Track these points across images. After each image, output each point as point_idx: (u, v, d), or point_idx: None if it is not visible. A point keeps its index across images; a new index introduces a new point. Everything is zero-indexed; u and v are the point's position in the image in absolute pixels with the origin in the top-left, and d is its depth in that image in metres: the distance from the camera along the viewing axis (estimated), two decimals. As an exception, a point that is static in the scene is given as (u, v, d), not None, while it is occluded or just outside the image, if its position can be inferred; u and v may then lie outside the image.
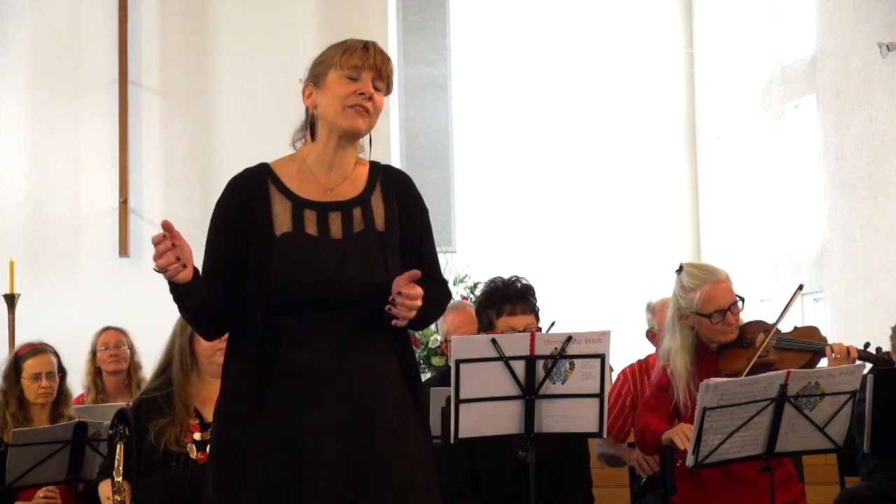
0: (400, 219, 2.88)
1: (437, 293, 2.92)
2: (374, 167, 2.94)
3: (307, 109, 2.90)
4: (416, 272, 2.71)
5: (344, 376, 2.74)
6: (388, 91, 2.89)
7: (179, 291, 2.73)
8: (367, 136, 2.90)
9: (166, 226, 2.65)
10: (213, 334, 2.93)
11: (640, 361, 5.08)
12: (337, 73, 2.82)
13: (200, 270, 2.82)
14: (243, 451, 2.74)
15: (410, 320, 2.79)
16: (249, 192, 2.83)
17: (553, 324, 5.01)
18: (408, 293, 2.70)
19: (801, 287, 4.59)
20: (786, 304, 4.32)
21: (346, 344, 2.75)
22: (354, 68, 2.82)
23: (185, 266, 2.66)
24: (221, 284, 2.78)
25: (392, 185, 2.92)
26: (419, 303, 2.73)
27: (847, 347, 4.18)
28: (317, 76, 2.86)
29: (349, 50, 2.84)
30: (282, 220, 2.81)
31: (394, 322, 2.73)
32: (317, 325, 2.75)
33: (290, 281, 2.74)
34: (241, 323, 2.79)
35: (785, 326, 4.39)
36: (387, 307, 2.71)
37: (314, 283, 2.74)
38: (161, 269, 2.66)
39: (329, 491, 2.68)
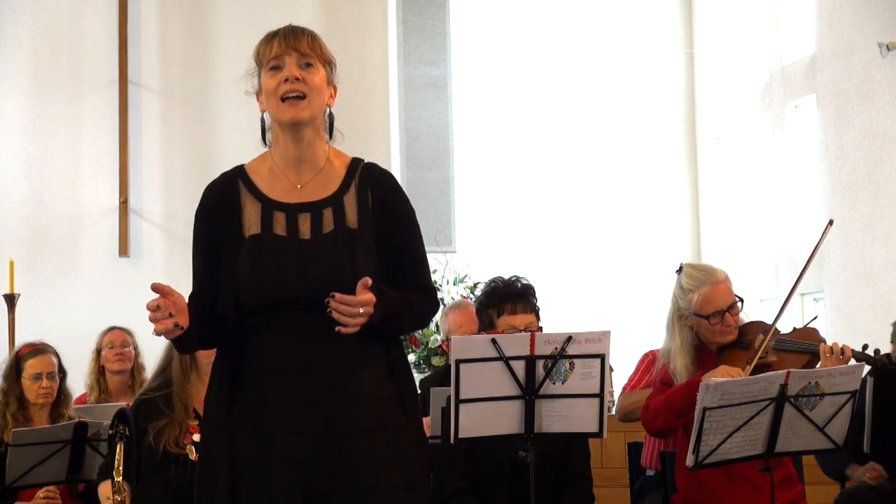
0: (375, 217, 2.81)
1: (417, 300, 2.86)
2: (354, 164, 2.88)
3: (262, 117, 2.87)
4: (367, 280, 2.65)
5: (313, 376, 2.71)
6: (325, 62, 2.83)
7: (180, 342, 2.74)
8: (325, 120, 2.84)
9: (158, 289, 2.63)
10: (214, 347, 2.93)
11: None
12: (264, 70, 2.82)
13: (192, 284, 2.84)
14: (217, 451, 2.75)
15: (384, 326, 2.74)
16: (221, 198, 2.83)
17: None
18: (342, 299, 2.64)
19: (831, 222, 4.45)
20: (818, 240, 4.28)
21: (315, 344, 2.71)
22: (275, 58, 2.80)
23: (180, 324, 2.65)
24: (212, 293, 2.79)
25: (370, 183, 2.84)
26: (360, 310, 2.65)
27: (842, 347, 4.17)
28: (258, 81, 2.85)
29: (264, 44, 2.83)
30: (251, 222, 2.79)
31: (337, 328, 2.66)
32: (286, 327, 2.73)
33: (254, 282, 2.73)
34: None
35: (785, 327, 4.39)
36: (327, 310, 2.66)
37: (277, 284, 2.72)
38: (160, 335, 2.67)
39: (296, 490, 2.66)
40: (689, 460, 3.82)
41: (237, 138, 8.86)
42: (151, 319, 2.64)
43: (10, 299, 7.42)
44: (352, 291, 2.68)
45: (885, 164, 9.75)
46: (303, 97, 2.77)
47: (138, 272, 8.92)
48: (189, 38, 9.31)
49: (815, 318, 4.46)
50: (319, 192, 2.82)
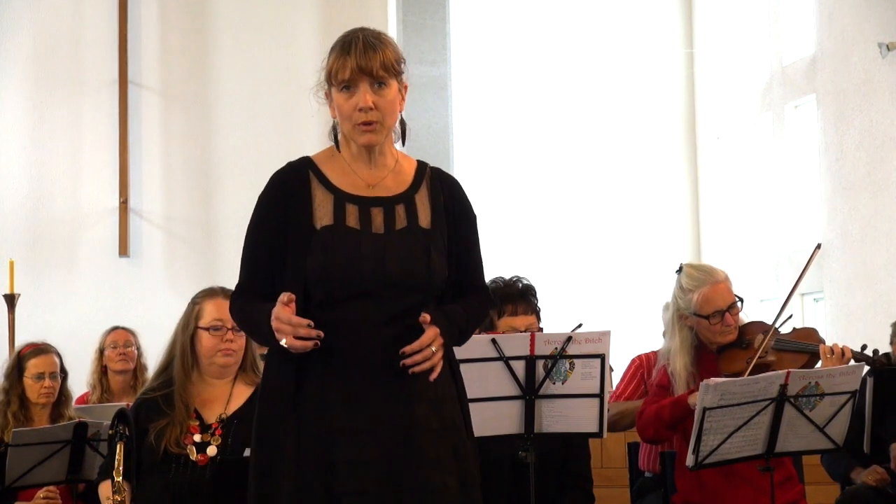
0: (447, 220, 2.84)
1: (477, 305, 2.90)
2: (422, 166, 2.91)
3: (333, 124, 2.86)
4: (426, 316, 2.66)
5: (381, 373, 2.69)
6: (397, 74, 2.78)
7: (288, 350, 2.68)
8: (398, 128, 2.87)
9: (291, 300, 2.60)
10: None
11: (653, 352, 4.97)
12: (335, 87, 2.77)
13: (241, 268, 2.80)
14: (279, 444, 2.71)
15: (452, 338, 2.78)
16: (290, 186, 2.79)
17: (580, 325, 4.95)
18: (412, 351, 2.65)
19: (818, 246, 4.48)
20: (805, 263, 4.29)
21: (385, 339, 2.69)
22: (346, 80, 2.74)
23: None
24: (268, 283, 2.74)
25: (440, 185, 2.88)
26: (432, 349, 2.67)
27: (842, 348, 4.17)
28: (327, 87, 2.81)
29: (336, 61, 2.75)
30: (323, 212, 2.76)
31: (411, 370, 2.66)
32: (355, 320, 2.69)
33: (328, 274, 2.69)
34: None
35: (785, 327, 4.39)
36: (402, 365, 2.66)
37: (353, 276, 2.69)
38: (300, 350, 2.62)
39: (364, 490, 2.64)
40: (689, 460, 3.82)
41: (237, 138, 8.86)
42: (297, 335, 2.60)
43: (10, 299, 7.42)
44: (427, 286, 2.72)
45: (885, 164, 9.76)
46: (373, 122, 2.75)
47: (138, 272, 8.94)
48: (189, 38, 9.31)
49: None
50: (390, 189, 2.82)
